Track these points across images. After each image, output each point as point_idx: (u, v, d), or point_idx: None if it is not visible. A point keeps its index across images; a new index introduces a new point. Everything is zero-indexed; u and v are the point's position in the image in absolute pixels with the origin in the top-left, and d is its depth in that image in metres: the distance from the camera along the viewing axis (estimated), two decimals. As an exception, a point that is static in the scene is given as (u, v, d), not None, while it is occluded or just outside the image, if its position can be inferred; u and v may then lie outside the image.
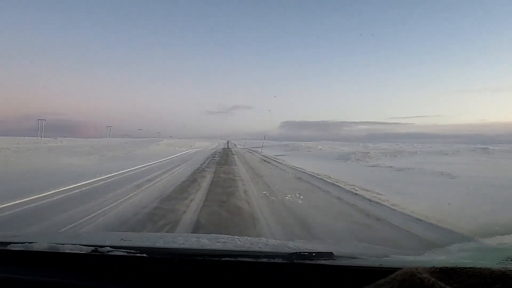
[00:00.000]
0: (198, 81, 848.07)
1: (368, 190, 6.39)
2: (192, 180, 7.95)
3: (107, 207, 4.59)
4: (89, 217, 4.01)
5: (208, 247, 1.23)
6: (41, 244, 1.05)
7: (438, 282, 0.38)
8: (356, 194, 6.09)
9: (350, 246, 2.02)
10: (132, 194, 5.70)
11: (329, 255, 1.00)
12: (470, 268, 0.43)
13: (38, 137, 59.04)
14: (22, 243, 1.07)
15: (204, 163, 13.52)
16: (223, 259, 0.99)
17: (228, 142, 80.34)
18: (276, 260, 0.97)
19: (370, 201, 5.39)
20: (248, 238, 1.53)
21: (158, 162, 13.53)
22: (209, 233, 1.89)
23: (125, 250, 1.00)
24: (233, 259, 0.99)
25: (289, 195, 5.82)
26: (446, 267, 0.44)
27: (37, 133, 62.78)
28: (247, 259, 0.99)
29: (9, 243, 1.09)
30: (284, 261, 0.96)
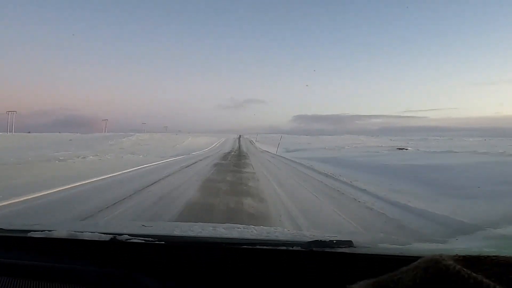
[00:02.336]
0: (210, 75, 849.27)
1: None
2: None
3: None
4: None
5: (226, 236, 1.22)
6: (61, 232, 1.06)
7: (464, 269, 0.36)
8: None
9: (369, 236, 1.98)
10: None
11: (348, 243, 0.96)
12: (495, 256, 0.41)
13: (7, 132, 56.09)
14: (41, 230, 1.08)
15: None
16: (242, 246, 0.99)
17: (239, 137, 68.57)
18: (295, 248, 0.95)
19: None
20: (264, 227, 1.52)
21: None
22: (224, 223, 1.78)
23: (143, 238, 1.00)
24: (251, 247, 0.97)
25: None
26: (470, 255, 0.42)
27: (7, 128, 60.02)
28: (265, 247, 0.97)
29: (29, 231, 1.09)
30: (303, 249, 0.94)
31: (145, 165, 10.59)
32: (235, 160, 14.68)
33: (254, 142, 46.90)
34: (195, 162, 12.78)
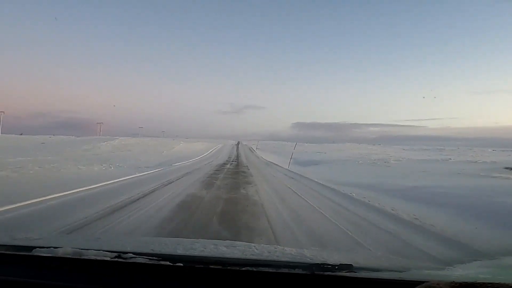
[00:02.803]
0: (210, 80, 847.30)
1: None
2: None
3: None
4: None
5: (227, 256, 1.24)
6: (66, 249, 1.06)
7: None
8: None
9: (367, 257, 2.05)
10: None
11: (349, 267, 0.99)
12: (490, 283, 0.43)
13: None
14: (46, 247, 1.08)
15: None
16: (244, 268, 1.00)
17: (238, 144, 64.10)
18: (297, 271, 0.97)
19: None
20: (265, 246, 1.56)
21: None
22: (225, 240, 1.79)
23: (146, 257, 1.02)
24: (254, 269, 0.99)
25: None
26: (466, 282, 0.44)
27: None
28: (268, 269, 0.99)
29: (34, 247, 1.10)
30: (305, 272, 0.96)
31: (84, 188, 6.34)
32: (231, 180, 9.36)
33: (255, 149, 40.66)
34: (169, 183, 8.25)
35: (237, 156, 27.09)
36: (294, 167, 16.19)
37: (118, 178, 8.29)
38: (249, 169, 14.13)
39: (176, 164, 14.93)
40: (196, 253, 1.26)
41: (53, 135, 57.79)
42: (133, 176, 9.23)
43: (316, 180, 9.98)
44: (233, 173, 12.28)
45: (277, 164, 18.39)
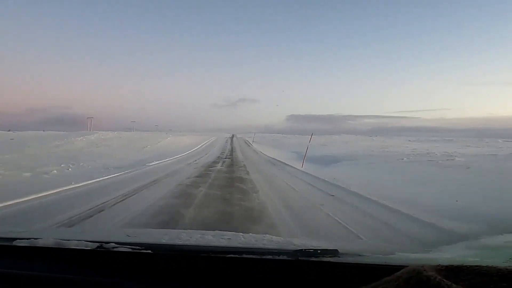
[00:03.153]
0: (204, 74, 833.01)
1: None
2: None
3: None
4: None
5: (213, 244, 1.23)
6: (47, 240, 1.05)
7: (444, 280, 0.38)
8: None
9: (355, 244, 2.07)
10: None
11: (334, 252, 0.99)
12: (477, 266, 0.42)
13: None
14: (27, 238, 1.06)
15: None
16: (228, 255, 0.99)
17: (232, 137, 58.37)
18: (281, 257, 0.96)
19: None
20: (253, 235, 1.53)
21: None
22: (213, 230, 1.73)
23: (129, 246, 0.99)
24: (238, 256, 0.99)
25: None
26: (452, 265, 0.44)
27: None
28: (252, 256, 0.99)
29: (15, 238, 1.08)
30: (289, 258, 0.95)
31: None
32: (219, 202, 5.25)
33: (251, 143, 35.64)
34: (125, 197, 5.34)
35: (232, 151, 22.46)
36: (310, 167, 11.60)
37: (45, 192, 5.32)
38: (249, 173, 9.53)
39: (151, 164, 11.32)
40: (181, 242, 1.24)
41: (43, 130, 54.80)
42: (77, 185, 6.29)
43: (380, 201, 5.25)
44: (226, 180, 7.74)
45: (284, 163, 13.67)
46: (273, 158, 16.33)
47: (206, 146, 28.37)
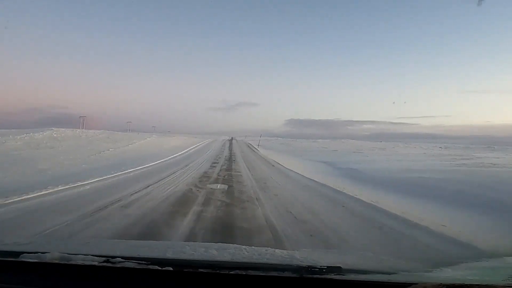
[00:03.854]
0: (202, 77, 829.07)
1: None
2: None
3: None
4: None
5: (217, 259, 1.23)
6: (54, 255, 1.04)
7: None
8: None
9: (357, 258, 2.13)
10: None
11: (338, 269, 0.99)
12: (477, 285, 0.42)
13: None
14: (34, 252, 1.06)
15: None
16: (233, 272, 0.99)
17: (231, 139, 51.29)
18: (286, 274, 0.97)
19: None
20: (255, 248, 1.53)
21: None
22: (216, 243, 1.76)
23: (135, 261, 0.99)
24: (244, 273, 0.98)
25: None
26: (454, 284, 0.43)
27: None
28: (257, 273, 0.98)
29: (22, 252, 1.08)
30: (294, 275, 0.96)
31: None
32: None
33: (256, 147, 27.24)
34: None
35: (230, 160, 14.39)
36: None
37: None
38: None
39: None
40: (185, 256, 1.25)
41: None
42: None
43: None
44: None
45: (362, 200, 5.38)
46: (316, 181, 7.88)
47: (194, 151, 20.13)
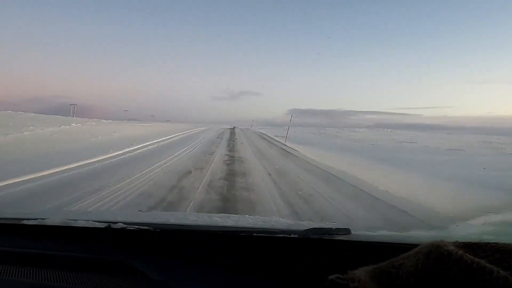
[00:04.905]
0: (206, 67, 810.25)
1: None
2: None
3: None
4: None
5: (221, 224, 1.17)
6: (54, 219, 1.01)
7: (466, 254, 0.36)
8: None
9: (367, 225, 2.02)
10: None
11: (346, 230, 0.92)
12: (495, 243, 0.40)
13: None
14: (35, 219, 1.02)
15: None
16: (239, 234, 0.96)
17: (234, 129, 36.87)
18: (292, 236, 0.90)
19: None
20: (260, 217, 1.47)
21: None
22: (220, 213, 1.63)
23: (138, 226, 0.95)
24: (248, 234, 0.93)
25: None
26: (470, 242, 0.41)
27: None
28: (262, 235, 0.93)
29: (22, 219, 1.04)
30: (301, 237, 0.90)
31: None
32: None
33: (284, 143, 14.89)
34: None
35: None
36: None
37: None
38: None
39: None
40: (188, 222, 1.22)
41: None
42: None
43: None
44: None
45: None
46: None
47: (167, 145, 9.43)
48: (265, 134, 24.19)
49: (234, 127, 46.53)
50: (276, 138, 18.84)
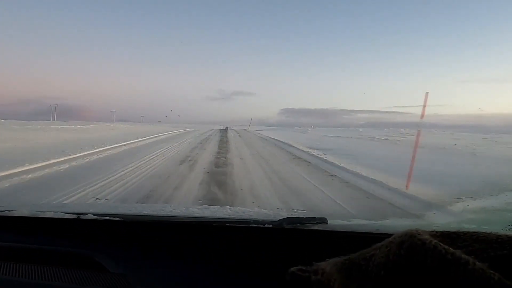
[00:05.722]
0: (197, 67, 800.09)
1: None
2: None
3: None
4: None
5: (197, 215, 1.16)
6: (22, 211, 0.99)
7: (441, 244, 0.33)
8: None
9: (344, 214, 2.02)
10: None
11: (322, 219, 0.91)
12: (474, 232, 0.38)
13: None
14: (2, 211, 0.99)
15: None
16: (212, 225, 0.96)
17: (226, 130, 37.32)
18: (267, 226, 0.88)
19: None
20: (240, 208, 1.39)
21: None
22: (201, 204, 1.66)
23: (108, 217, 0.92)
24: (221, 225, 0.95)
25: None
26: (448, 231, 0.39)
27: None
28: (236, 225, 0.94)
29: None
30: (275, 226, 0.88)
31: None
32: None
33: (304, 150, 10.02)
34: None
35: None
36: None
37: None
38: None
39: None
40: (163, 213, 1.20)
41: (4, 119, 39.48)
42: None
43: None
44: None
45: None
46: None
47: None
48: (262, 135, 18.42)
49: (227, 128, 44.53)
50: (271, 136, 15.06)
